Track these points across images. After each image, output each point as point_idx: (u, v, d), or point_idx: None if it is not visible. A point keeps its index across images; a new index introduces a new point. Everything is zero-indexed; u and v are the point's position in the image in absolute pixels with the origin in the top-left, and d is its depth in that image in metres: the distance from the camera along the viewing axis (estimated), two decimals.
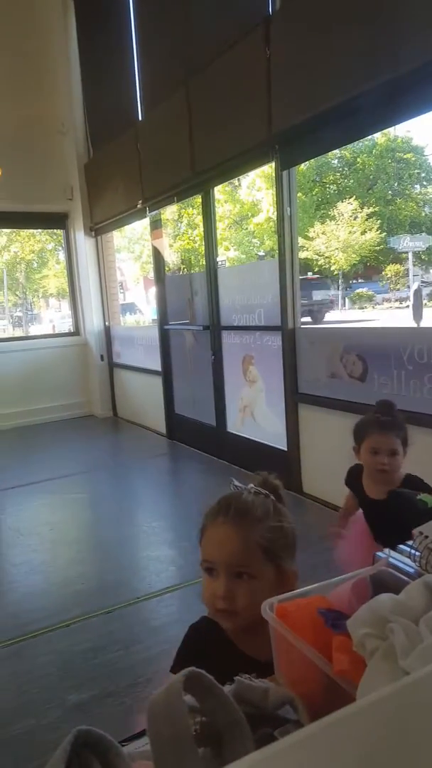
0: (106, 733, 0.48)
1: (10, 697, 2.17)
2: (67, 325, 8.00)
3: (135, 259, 21.14)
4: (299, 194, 20.19)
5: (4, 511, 4.07)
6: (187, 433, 5.43)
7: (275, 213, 3.93)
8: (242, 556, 1.00)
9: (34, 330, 11.09)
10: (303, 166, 18.98)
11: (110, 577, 3.03)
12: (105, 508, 4.19)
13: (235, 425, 4.73)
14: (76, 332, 7.17)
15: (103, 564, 3.21)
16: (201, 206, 4.81)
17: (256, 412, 4.48)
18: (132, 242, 20.24)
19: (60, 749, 0.43)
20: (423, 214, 24.40)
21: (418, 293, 15.01)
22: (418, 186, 24.89)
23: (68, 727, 0.47)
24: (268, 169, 4.08)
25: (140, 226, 6.07)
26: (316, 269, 22.80)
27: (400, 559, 0.84)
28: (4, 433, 6.35)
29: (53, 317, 12.30)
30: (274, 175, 3.81)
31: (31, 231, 9.13)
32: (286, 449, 3.97)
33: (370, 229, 22.04)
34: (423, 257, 23.62)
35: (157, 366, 5.74)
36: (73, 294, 7.15)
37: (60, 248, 8.62)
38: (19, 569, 3.19)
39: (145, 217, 5.46)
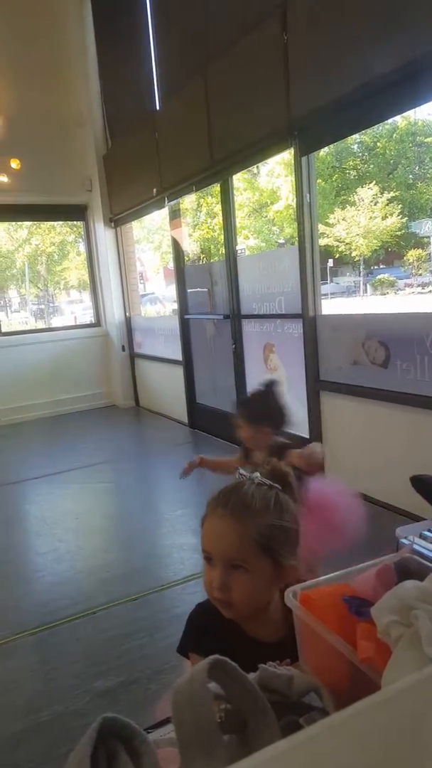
0: (131, 721, 0.48)
1: (38, 684, 2.21)
2: (88, 317, 8.05)
3: (155, 250, 21.14)
4: (319, 180, 19.96)
5: (29, 500, 4.13)
6: (208, 422, 5.44)
7: (295, 200, 3.89)
8: (238, 551, 0.99)
9: (56, 322, 11.17)
10: (322, 152, 18.74)
11: (135, 565, 3.06)
12: (129, 497, 4.23)
13: None
14: (97, 323, 7.21)
15: (128, 552, 3.25)
16: (220, 194, 4.78)
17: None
18: (151, 232, 20.23)
19: (86, 736, 0.43)
20: None
21: None
22: None
23: (95, 714, 0.47)
24: (288, 155, 4.03)
25: (159, 216, 6.06)
26: (337, 255, 22.56)
27: (424, 545, 0.83)
28: (28, 423, 6.43)
29: (74, 309, 12.36)
30: (293, 161, 3.76)
31: (51, 223, 9.15)
32: (308, 437, 3.95)
33: (391, 214, 21.70)
34: None
35: (178, 356, 5.75)
36: (94, 285, 7.18)
37: (80, 240, 8.65)
38: (45, 558, 3.24)
39: (164, 206, 5.45)
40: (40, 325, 10.14)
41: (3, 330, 6.89)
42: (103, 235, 6.64)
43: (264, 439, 2.12)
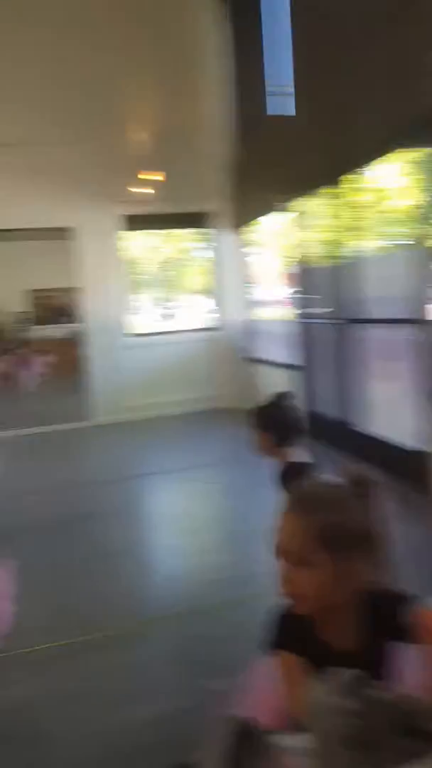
0: (258, 726, 0.47)
1: (147, 678, 2.25)
2: (207, 321, 8.24)
3: (276, 254, 21.13)
4: None
5: (144, 496, 4.28)
6: (325, 431, 5.32)
7: (424, 199, 3.71)
8: (297, 544, 1.02)
9: (177, 325, 11.55)
10: None
11: (244, 568, 3.05)
12: (238, 500, 4.23)
13: (374, 423, 4.54)
14: (217, 327, 7.35)
15: (236, 555, 3.25)
16: (342, 196, 4.67)
17: (398, 410, 4.27)
18: (273, 236, 20.24)
19: (218, 737, 0.44)
20: None
21: None
22: None
23: (203, 714, 0.47)
24: (416, 154, 3.85)
25: (283, 220, 6.08)
26: None
27: None
28: (146, 421, 6.68)
29: (194, 313, 12.70)
30: (421, 159, 3.59)
31: (179, 230, 9.51)
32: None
33: None
34: None
35: (295, 361, 5.69)
36: (216, 290, 7.33)
37: (204, 246, 8.89)
38: (158, 553, 3.34)
39: (287, 210, 5.43)
40: (166, 327, 10.55)
41: (134, 331, 7.24)
42: (227, 240, 6.76)
43: (267, 446, 2.32)
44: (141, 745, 1.88)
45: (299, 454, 2.29)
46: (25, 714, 2.10)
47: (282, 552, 1.05)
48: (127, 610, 2.76)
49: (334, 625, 1.05)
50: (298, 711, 0.71)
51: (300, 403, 2.56)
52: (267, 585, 2.81)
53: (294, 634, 1.08)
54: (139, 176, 6.63)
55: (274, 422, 2.31)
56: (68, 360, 8.98)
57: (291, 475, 2.12)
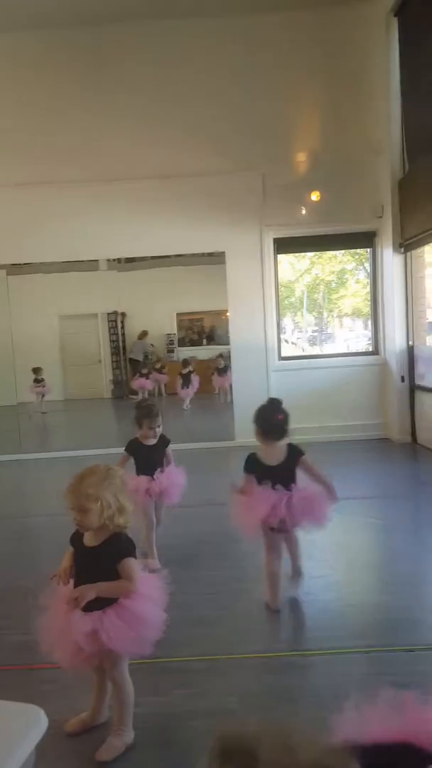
0: None
1: (307, 709, 2.14)
2: (361, 345, 7.96)
3: None
4: None
5: None
6: None
7: None
8: None
9: (328, 349, 11.32)
10: None
11: (411, 613, 2.82)
12: (402, 538, 3.95)
13: None
14: (375, 351, 7.06)
15: (402, 598, 3.00)
16: None
17: None
18: None
19: None
20: None
21: None
22: None
23: None
24: None
25: None
26: None
27: None
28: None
29: (347, 336, 12.40)
30: None
31: (333, 252, 9.36)
32: None
33: None
34: None
35: None
36: (375, 312, 7.06)
37: (360, 267, 8.66)
38: (315, 582, 3.19)
39: None
40: (316, 351, 10.39)
41: (282, 354, 7.20)
42: (391, 261, 6.49)
43: (259, 439, 2.89)
44: None
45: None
46: (172, 722, 2.12)
47: None
48: (274, 635, 2.69)
49: None
50: None
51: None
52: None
53: None
54: (295, 198, 6.63)
55: (261, 420, 2.90)
56: (213, 381, 9.14)
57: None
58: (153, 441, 3.52)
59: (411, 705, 1.07)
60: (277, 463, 2.80)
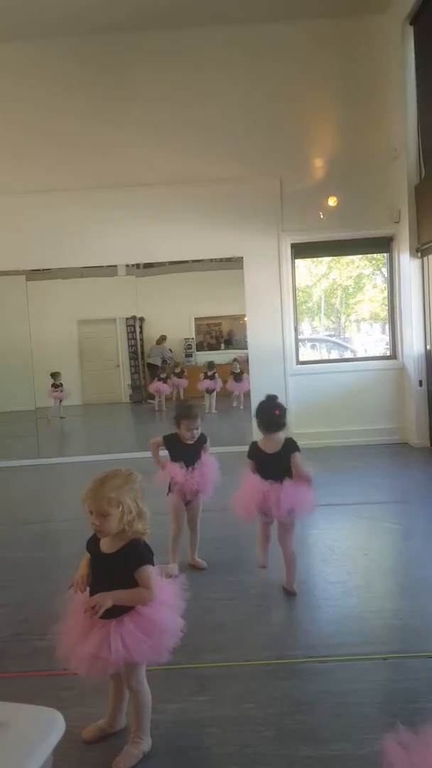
0: None
1: (327, 714, 2.15)
2: (378, 349, 7.91)
3: None
4: None
5: (318, 527, 4.14)
6: None
7: None
8: None
9: (346, 353, 11.29)
10: None
11: (430, 619, 2.80)
12: (421, 544, 3.91)
13: None
14: (393, 356, 7.02)
15: (421, 603, 2.98)
16: None
17: None
18: None
19: None
20: None
21: None
22: None
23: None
24: None
25: None
26: None
27: None
28: (315, 450, 6.51)
29: (364, 341, 12.34)
30: None
31: (350, 257, 9.34)
32: None
33: None
34: None
35: None
36: (392, 317, 7.02)
37: (377, 272, 8.62)
38: (334, 588, 3.18)
39: None
40: (334, 356, 10.35)
41: (300, 359, 7.18)
42: (408, 265, 6.46)
43: (261, 431, 3.19)
44: None
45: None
46: (190, 729, 2.12)
47: None
48: (292, 641, 2.69)
49: None
50: None
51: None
52: None
53: None
54: (313, 203, 6.64)
55: (259, 414, 3.16)
56: (227, 386, 9.11)
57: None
58: (191, 441, 3.47)
59: None
60: (273, 452, 3.13)
